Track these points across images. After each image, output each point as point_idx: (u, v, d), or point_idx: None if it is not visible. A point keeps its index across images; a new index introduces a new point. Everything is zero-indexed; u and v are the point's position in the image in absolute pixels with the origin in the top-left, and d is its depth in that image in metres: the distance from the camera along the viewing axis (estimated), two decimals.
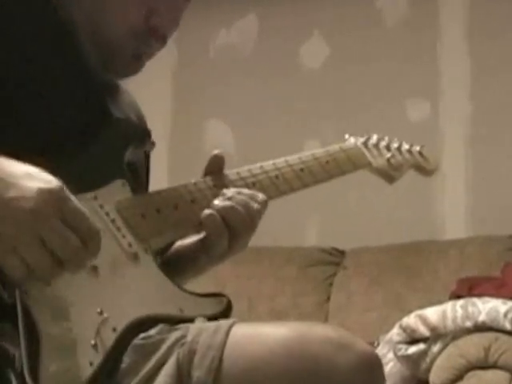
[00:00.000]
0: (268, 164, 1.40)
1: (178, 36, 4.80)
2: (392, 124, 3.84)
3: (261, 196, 1.32)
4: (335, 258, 3.78)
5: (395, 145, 1.64)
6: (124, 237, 1.22)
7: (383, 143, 1.62)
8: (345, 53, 4.07)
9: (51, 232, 1.00)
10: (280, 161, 1.42)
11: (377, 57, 3.99)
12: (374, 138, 1.61)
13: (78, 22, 1.31)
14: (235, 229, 1.27)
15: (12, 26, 1.23)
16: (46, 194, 1.01)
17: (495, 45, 3.83)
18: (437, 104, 3.92)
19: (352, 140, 1.59)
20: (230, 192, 1.30)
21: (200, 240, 1.32)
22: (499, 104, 3.82)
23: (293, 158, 1.44)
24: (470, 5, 3.90)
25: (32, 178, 1.03)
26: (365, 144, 1.59)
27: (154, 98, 4.28)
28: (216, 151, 1.36)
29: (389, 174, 1.60)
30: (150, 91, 4.26)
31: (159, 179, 3.77)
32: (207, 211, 1.27)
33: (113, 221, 1.22)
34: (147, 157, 1.44)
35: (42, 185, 1.02)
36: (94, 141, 1.26)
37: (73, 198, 1.04)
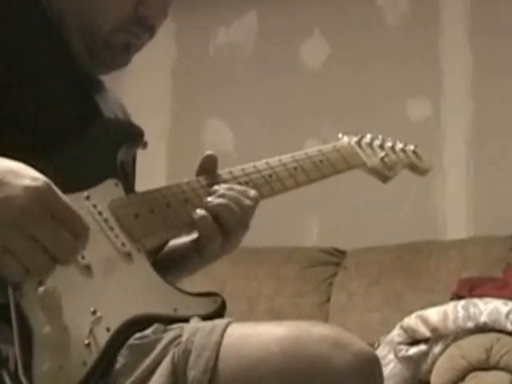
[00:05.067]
0: (261, 163, 1.40)
1: (177, 34, 4.80)
2: (393, 123, 3.83)
3: (252, 192, 1.32)
4: (335, 258, 3.78)
5: (389, 144, 1.64)
6: (117, 236, 1.21)
7: (377, 142, 1.62)
8: (345, 52, 4.06)
9: (42, 230, 0.99)
10: (273, 160, 1.42)
11: (377, 56, 3.98)
12: (368, 137, 1.61)
13: (66, 12, 1.30)
14: (229, 226, 1.27)
15: None
16: (33, 192, 1.00)
17: (497, 43, 3.82)
18: (438, 103, 3.92)
19: (346, 139, 1.59)
20: (221, 189, 1.30)
21: (192, 240, 1.32)
22: (501, 103, 3.81)
23: (286, 157, 1.44)
24: (471, 3, 3.89)
25: (17, 176, 1.01)
26: (358, 143, 1.59)
27: (154, 97, 4.27)
28: (209, 152, 1.36)
29: (383, 174, 1.59)
30: (149, 90, 4.26)
31: (158, 178, 3.74)
32: (200, 211, 1.26)
33: (106, 220, 1.21)
34: (133, 156, 1.44)
35: (28, 182, 1.01)
36: (84, 139, 1.26)
37: (60, 193, 1.03)
